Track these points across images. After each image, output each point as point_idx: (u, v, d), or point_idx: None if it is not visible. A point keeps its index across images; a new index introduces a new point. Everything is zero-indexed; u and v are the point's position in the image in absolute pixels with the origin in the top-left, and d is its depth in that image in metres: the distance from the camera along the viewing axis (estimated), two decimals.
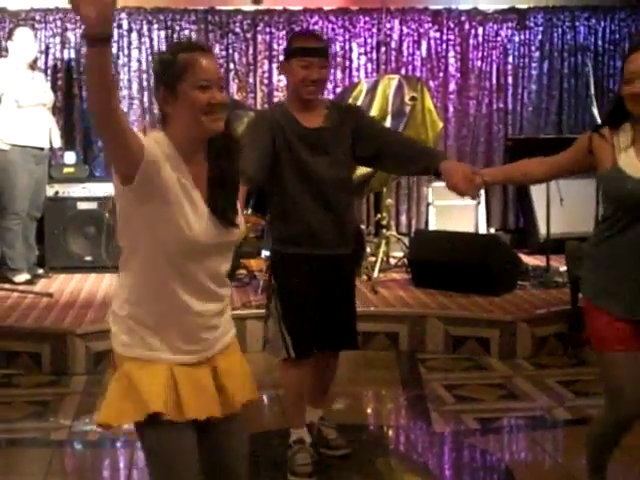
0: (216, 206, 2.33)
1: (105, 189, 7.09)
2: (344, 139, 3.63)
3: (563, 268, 6.13)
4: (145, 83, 8.03)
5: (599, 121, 6.84)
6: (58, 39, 7.88)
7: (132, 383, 2.28)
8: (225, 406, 2.38)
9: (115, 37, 7.95)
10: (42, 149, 6.71)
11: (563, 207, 7.10)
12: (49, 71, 7.83)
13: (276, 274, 3.72)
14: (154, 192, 2.21)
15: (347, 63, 8.30)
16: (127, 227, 2.28)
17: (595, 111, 6.93)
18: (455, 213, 7.69)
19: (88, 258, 7.11)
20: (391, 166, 3.87)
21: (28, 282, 6.53)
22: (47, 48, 7.85)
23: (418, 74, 8.27)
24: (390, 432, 4.46)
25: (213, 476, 2.46)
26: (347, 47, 8.28)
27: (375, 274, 6.48)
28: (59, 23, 7.86)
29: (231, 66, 8.19)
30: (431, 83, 8.26)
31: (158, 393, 2.26)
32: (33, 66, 6.80)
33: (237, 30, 8.16)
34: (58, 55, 7.89)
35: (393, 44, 8.36)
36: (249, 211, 6.29)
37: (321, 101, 3.70)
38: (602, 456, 3.21)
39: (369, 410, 4.71)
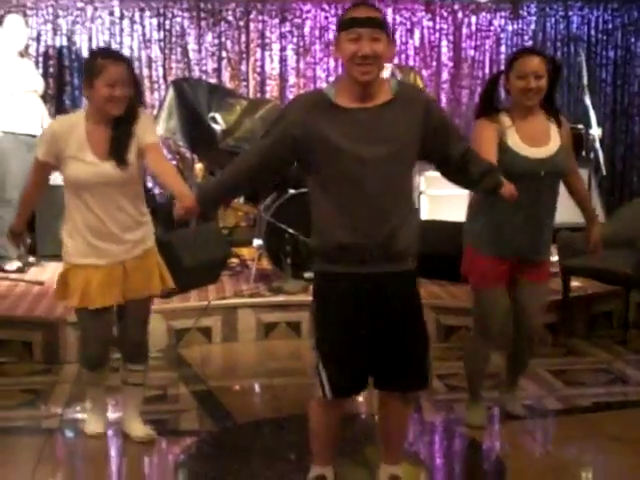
0: (115, 153, 3.58)
1: None
2: (406, 122, 3.00)
3: (555, 258, 6.13)
4: (137, 71, 7.98)
5: (592, 111, 6.86)
6: (49, 26, 7.87)
7: (65, 281, 3.73)
8: (131, 293, 3.73)
9: (107, 24, 7.95)
10: (34, 136, 6.66)
11: None
12: (40, 58, 7.81)
13: (315, 296, 3.16)
14: (63, 160, 3.64)
15: None
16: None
17: (588, 101, 6.90)
18: (447, 202, 7.67)
19: None
20: (451, 178, 3.30)
21: (19, 270, 6.52)
22: (39, 35, 7.83)
23: (411, 63, 8.29)
24: None
25: (122, 337, 3.89)
26: None
27: None
28: (50, 10, 7.85)
29: (223, 54, 8.18)
30: (424, 72, 8.28)
31: (76, 291, 3.66)
32: (23, 53, 6.77)
33: (230, 18, 8.15)
34: (49, 42, 7.88)
35: None
36: (241, 200, 6.31)
37: (385, 82, 3.06)
38: (479, 380, 4.15)
39: (360, 399, 4.72)
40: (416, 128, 3.02)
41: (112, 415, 4.19)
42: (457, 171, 3.20)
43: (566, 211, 7.27)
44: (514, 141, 3.76)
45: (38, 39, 7.83)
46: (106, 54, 3.73)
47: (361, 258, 3.01)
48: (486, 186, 3.23)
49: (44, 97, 7.02)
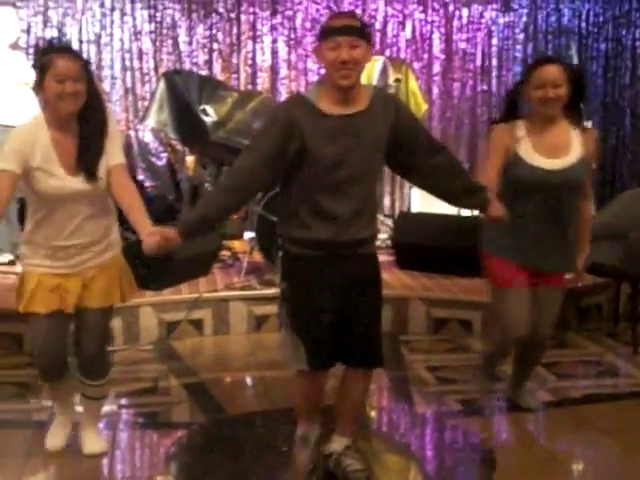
0: (85, 168, 3.33)
1: None
2: (380, 126, 3.21)
3: None
4: (128, 63, 7.98)
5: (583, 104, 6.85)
6: (40, 18, 7.82)
7: (22, 284, 3.49)
8: (88, 301, 3.47)
9: (97, 16, 7.91)
10: None
11: None
12: (31, 50, 7.76)
13: (287, 277, 3.33)
14: (29, 172, 3.33)
15: None
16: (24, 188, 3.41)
17: None
18: None
19: None
20: (426, 188, 3.51)
21: (10, 263, 6.49)
22: (29, 27, 7.78)
23: (402, 56, 8.27)
24: (373, 413, 4.47)
25: (79, 342, 3.59)
26: None
27: None
28: (41, 2, 7.80)
29: (215, 46, 8.15)
30: (415, 65, 8.26)
31: (25, 295, 3.44)
32: (14, 46, 6.73)
33: (221, 10, 8.12)
34: (40, 34, 7.83)
35: (377, 25, 8.34)
36: None
37: (364, 88, 3.25)
38: (494, 369, 4.30)
39: None
40: (386, 132, 3.24)
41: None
42: (431, 177, 3.38)
43: None
44: (526, 151, 3.72)
45: (28, 31, 7.78)
46: (53, 48, 3.52)
47: (334, 247, 3.26)
48: (469, 204, 3.54)
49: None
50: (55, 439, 3.79)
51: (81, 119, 3.37)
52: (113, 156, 3.40)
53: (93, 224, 3.44)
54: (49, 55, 3.32)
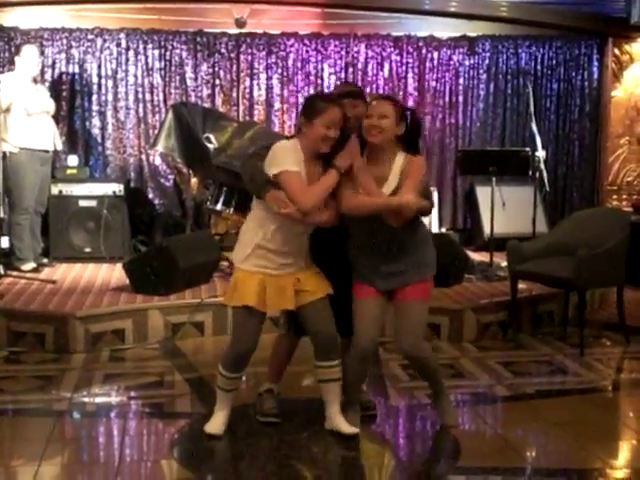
0: None
1: (103, 189, 7.09)
2: None
3: (504, 263, 6.17)
4: (140, 96, 7.98)
5: (537, 136, 6.92)
6: (63, 55, 7.82)
7: (238, 284, 3.62)
8: (305, 298, 3.62)
9: (114, 54, 7.91)
10: (47, 151, 6.66)
11: (505, 210, 7.16)
12: (55, 83, 7.76)
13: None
14: None
15: (319, 81, 8.31)
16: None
17: (534, 127, 6.98)
18: None
19: (87, 249, 7.08)
20: None
21: (34, 270, 6.48)
22: (54, 63, 7.78)
23: (381, 92, 8.29)
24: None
25: (310, 333, 3.76)
26: (319, 67, 8.29)
27: None
28: (65, 41, 7.80)
29: (217, 82, 8.15)
30: None
31: (251, 292, 3.55)
32: (37, 79, 6.73)
33: (222, 50, 8.13)
34: (63, 69, 7.83)
35: (359, 65, 8.37)
36: (231, 211, 6.30)
37: None
38: (356, 389, 3.89)
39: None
40: None
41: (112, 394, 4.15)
42: None
43: (513, 222, 7.37)
44: None
45: (53, 66, 7.78)
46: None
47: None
48: None
49: (56, 117, 6.99)
50: (218, 426, 3.79)
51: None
52: None
53: (299, 244, 3.69)
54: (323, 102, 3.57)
